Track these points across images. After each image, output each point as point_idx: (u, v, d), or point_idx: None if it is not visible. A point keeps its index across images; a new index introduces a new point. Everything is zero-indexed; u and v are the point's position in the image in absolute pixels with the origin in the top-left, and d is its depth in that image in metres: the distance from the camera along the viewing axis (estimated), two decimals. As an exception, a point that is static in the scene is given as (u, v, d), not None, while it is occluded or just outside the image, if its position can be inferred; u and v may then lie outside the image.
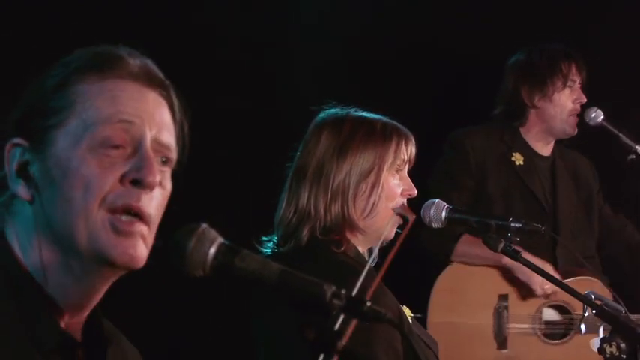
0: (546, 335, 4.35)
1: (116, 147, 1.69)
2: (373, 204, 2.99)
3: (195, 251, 1.68)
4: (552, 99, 4.52)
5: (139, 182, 1.68)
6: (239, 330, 3.48)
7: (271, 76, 4.61)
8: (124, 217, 1.68)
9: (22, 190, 1.69)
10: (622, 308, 2.93)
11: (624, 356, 2.74)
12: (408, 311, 3.05)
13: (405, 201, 3.03)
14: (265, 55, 4.67)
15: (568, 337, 4.38)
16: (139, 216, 1.68)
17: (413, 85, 4.75)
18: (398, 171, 3.03)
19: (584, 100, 4.52)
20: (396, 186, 3.02)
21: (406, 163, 3.05)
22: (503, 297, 4.24)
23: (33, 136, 1.70)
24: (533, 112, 4.56)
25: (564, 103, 4.52)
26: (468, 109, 4.70)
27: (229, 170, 4.38)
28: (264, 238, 3.04)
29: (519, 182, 4.50)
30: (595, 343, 2.80)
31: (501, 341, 4.25)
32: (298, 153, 3.05)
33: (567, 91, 4.52)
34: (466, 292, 4.21)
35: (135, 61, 1.75)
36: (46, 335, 1.65)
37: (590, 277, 4.26)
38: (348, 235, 3.00)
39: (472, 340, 4.27)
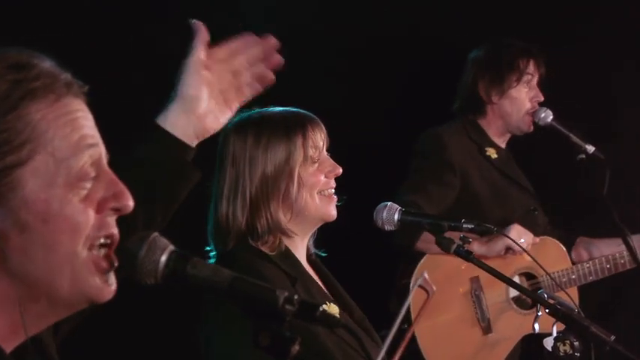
0: (520, 305, 4.33)
1: (90, 177, 1.59)
2: (295, 201, 3.04)
3: (147, 259, 1.67)
4: (508, 95, 4.53)
5: (118, 210, 1.62)
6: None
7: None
8: (102, 252, 1.60)
9: None
10: (575, 307, 2.94)
11: (578, 354, 2.76)
12: (335, 309, 3.04)
13: (332, 181, 3.09)
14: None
15: (536, 310, 4.35)
16: (112, 243, 1.62)
17: (375, 81, 4.73)
18: (315, 161, 3.06)
19: (542, 98, 4.52)
20: (314, 174, 3.06)
21: (321, 149, 3.08)
22: (475, 279, 4.23)
23: None
24: (490, 107, 4.57)
25: (521, 100, 4.52)
26: (425, 106, 4.66)
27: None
28: (208, 248, 3.08)
29: (500, 175, 4.51)
30: (548, 342, 2.81)
31: (486, 326, 4.23)
32: (216, 166, 3.09)
33: (524, 88, 4.53)
34: (439, 285, 4.13)
35: (63, 73, 1.62)
36: None
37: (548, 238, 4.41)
38: (282, 236, 3.06)
39: (458, 333, 4.23)
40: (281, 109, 3.11)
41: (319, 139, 3.08)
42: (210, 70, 2.09)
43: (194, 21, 2.09)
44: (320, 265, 3.22)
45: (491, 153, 4.52)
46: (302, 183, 3.04)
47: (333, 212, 3.09)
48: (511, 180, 4.53)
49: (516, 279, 4.30)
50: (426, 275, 3.00)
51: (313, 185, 3.06)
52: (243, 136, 3.05)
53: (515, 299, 4.32)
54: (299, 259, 3.11)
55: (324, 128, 3.12)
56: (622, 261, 4.41)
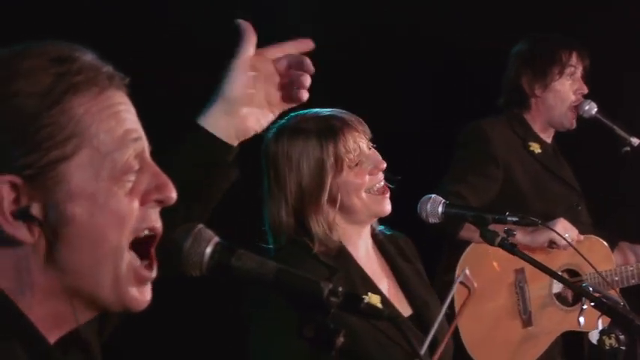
0: (561, 301, 4.32)
1: (134, 170, 1.58)
2: (342, 204, 3.10)
3: (192, 251, 1.67)
4: (552, 88, 4.50)
5: (162, 202, 1.61)
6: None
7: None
8: (145, 263, 1.60)
9: (22, 234, 1.51)
10: (620, 300, 2.92)
11: (623, 348, 2.75)
12: (376, 299, 3.06)
13: (379, 176, 3.11)
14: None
15: (581, 304, 4.36)
16: (156, 235, 1.62)
17: (414, 77, 4.72)
18: (355, 163, 3.08)
19: (586, 90, 4.49)
20: (357, 175, 3.08)
21: (360, 150, 3.09)
22: (520, 271, 4.21)
23: (28, 172, 1.50)
24: (534, 101, 4.55)
25: (565, 93, 4.50)
26: (471, 101, 4.65)
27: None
28: (268, 246, 3.15)
29: (544, 170, 4.49)
30: (594, 335, 2.79)
31: (527, 319, 4.22)
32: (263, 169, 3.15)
33: (568, 80, 4.50)
34: (485, 274, 4.13)
35: (105, 65, 1.61)
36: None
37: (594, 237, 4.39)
38: (336, 232, 3.11)
39: (499, 323, 4.21)
40: (317, 112, 3.13)
41: (354, 142, 3.08)
42: (256, 71, 2.07)
43: (240, 21, 2.06)
44: (386, 245, 3.25)
45: (535, 148, 4.49)
46: (346, 188, 3.07)
47: (385, 208, 3.12)
48: (554, 175, 4.51)
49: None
50: (467, 272, 3.00)
51: (359, 187, 3.08)
52: (282, 143, 3.08)
53: (557, 295, 4.31)
54: (357, 249, 3.16)
55: (362, 126, 3.13)
56: None
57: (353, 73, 4.63)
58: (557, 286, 4.29)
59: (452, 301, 2.99)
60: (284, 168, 3.07)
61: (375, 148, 3.14)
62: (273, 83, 2.10)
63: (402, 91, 4.73)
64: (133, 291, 1.59)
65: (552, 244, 4.16)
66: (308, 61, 2.08)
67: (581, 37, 4.58)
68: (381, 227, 3.28)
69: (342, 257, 3.10)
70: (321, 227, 3.07)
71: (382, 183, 3.12)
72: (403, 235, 3.33)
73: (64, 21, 4.03)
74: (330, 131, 3.07)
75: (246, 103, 2.06)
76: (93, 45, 1.65)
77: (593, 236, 4.39)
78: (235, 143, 2.08)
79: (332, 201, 3.08)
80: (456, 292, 3.03)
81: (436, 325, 2.96)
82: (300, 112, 3.08)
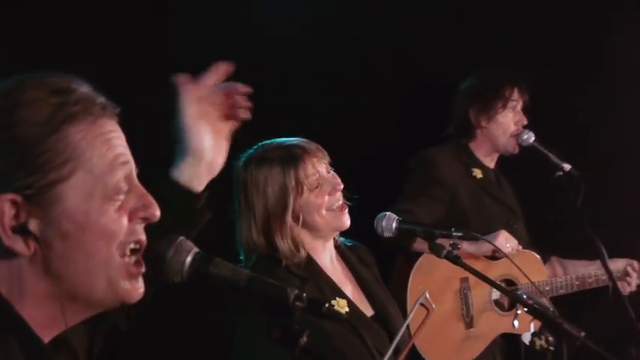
0: (499, 307, 4.37)
1: (123, 191, 1.59)
2: (304, 223, 3.17)
3: (174, 260, 1.71)
4: (496, 120, 4.53)
5: (147, 219, 1.62)
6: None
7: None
8: (132, 259, 1.61)
9: (20, 246, 1.52)
10: (550, 306, 2.97)
11: (552, 348, 2.79)
12: (343, 303, 3.13)
13: (337, 195, 3.18)
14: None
15: (515, 309, 4.45)
16: (141, 247, 1.63)
17: (374, 107, 4.75)
18: (315, 186, 3.15)
19: (525, 122, 4.53)
20: (317, 196, 3.16)
21: (320, 173, 3.17)
22: (464, 279, 4.24)
23: (28, 192, 1.51)
24: (479, 131, 4.57)
25: (507, 124, 4.53)
26: (424, 129, 4.68)
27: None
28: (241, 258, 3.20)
29: (485, 193, 4.52)
30: (527, 337, 2.84)
31: (469, 321, 4.25)
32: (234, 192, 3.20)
33: (510, 113, 4.53)
34: (434, 282, 4.17)
35: (98, 96, 1.61)
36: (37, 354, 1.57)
37: (529, 251, 4.44)
38: (303, 247, 3.17)
39: (446, 324, 4.22)
40: (280, 142, 3.20)
41: (313, 167, 3.16)
42: (203, 116, 2.06)
43: (176, 76, 2.04)
44: (347, 254, 3.31)
45: (477, 173, 4.53)
46: (308, 208, 3.14)
47: (344, 223, 3.20)
48: (493, 197, 4.53)
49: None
50: (427, 295, 3.04)
51: (319, 207, 3.16)
52: (249, 171, 3.16)
53: (496, 301, 4.34)
54: (322, 260, 3.22)
55: (321, 153, 3.21)
56: (589, 280, 4.49)
57: (321, 101, 4.66)
58: (495, 294, 4.32)
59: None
60: (252, 193, 3.14)
61: (335, 171, 3.20)
62: (214, 116, 2.07)
63: (363, 118, 4.74)
64: (126, 284, 1.60)
65: (495, 252, 4.21)
66: (236, 86, 2.08)
67: (523, 70, 4.63)
68: (342, 239, 3.33)
69: (311, 268, 3.16)
70: (287, 244, 3.13)
71: (341, 201, 3.18)
72: (362, 246, 3.39)
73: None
74: (292, 159, 3.14)
75: (207, 148, 2.05)
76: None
77: (528, 251, 4.45)
78: (206, 182, 2.07)
79: (296, 219, 3.15)
80: (416, 311, 3.05)
81: (399, 337, 3.01)
82: (266, 142, 3.18)
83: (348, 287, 3.25)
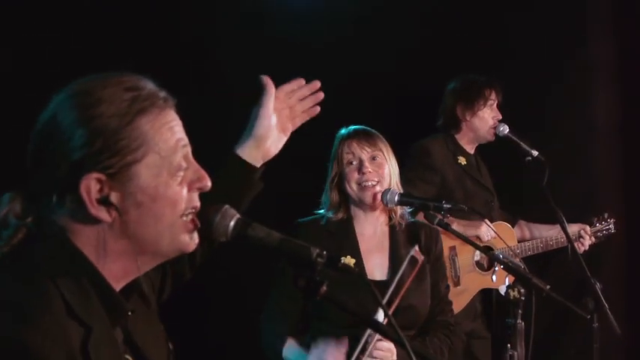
0: (480, 268, 4.37)
1: (183, 168, 1.61)
2: (344, 191, 3.26)
3: (220, 223, 1.70)
4: (477, 115, 4.54)
5: (201, 188, 1.64)
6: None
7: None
8: (189, 218, 1.62)
9: (104, 215, 1.54)
10: (522, 264, 2.94)
11: (523, 298, 2.76)
12: (351, 261, 3.12)
13: (367, 177, 3.20)
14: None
15: (493, 268, 4.42)
16: (196, 211, 1.64)
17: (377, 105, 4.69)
18: (348, 163, 3.25)
19: (500, 116, 4.54)
20: (349, 171, 3.24)
21: (352, 155, 3.24)
22: (452, 248, 4.24)
23: (110, 171, 1.53)
24: (464, 124, 4.58)
25: (486, 118, 4.54)
26: (419, 122, 4.63)
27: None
28: None
29: (468, 176, 4.52)
30: (502, 289, 2.80)
31: (457, 281, 4.25)
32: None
33: (488, 109, 4.54)
34: None
35: (161, 91, 1.63)
36: (119, 308, 1.59)
37: (502, 222, 4.46)
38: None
39: None
40: (350, 128, 3.28)
41: (349, 148, 3.21)
42: (275, 112, 2.12)
43: (263, 77, 2.10)
44: (396, 233, 3.26)
45: (462, 160, 4.54)
46: (346, 179, 3.20)
47: (365, 198, 3.20)
48: (475, 180, 4.54)
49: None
50: (416, 247, 2.99)
51: (349, 180, 3.20)
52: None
53: (477, 263, 4.34)
54: (361, 226, 3.24)
55: (365, 140, 3.22)
56: (551, 243, 4.50)
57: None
58: (477, 256, 4.34)
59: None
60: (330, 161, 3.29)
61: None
62: (285, 115, 2.15)
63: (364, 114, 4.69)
64: (185, 238, 1.62)
65: (477, 238, 4.23)
66: (310, 86, 2.18)
67: (498, 73, 4.59)
68: (410, 219, 3.30)
69: (345, 227, 3.20)
70: (334, 201, 3.24)
71: (369, 183, 3.18)
72: (427, 226, 3.29)
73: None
74: (340, 137, 3.26)
75: (270, 139, 2.11)
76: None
77: (502, 222, 4.47)
78: (260, 163, 2.13)
79: (340, 184, 3.23)
80: (408, 263, 3.00)
81: (392, 287, 2.95)
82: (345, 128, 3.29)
83: (374, 255, 3.21)
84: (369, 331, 2.89)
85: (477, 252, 4.33)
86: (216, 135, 2.64)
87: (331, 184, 3.23)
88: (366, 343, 2.89)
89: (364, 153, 3.19)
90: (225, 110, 3.92)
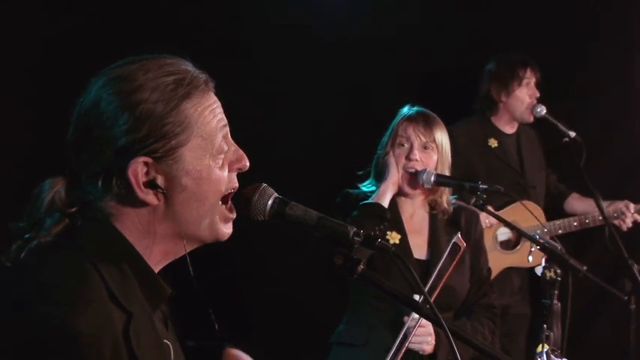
0: (503, 248, 4.38)
1: (224, 151, 1.62)
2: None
3: (258, 202, 1.69)
4: (513, 95, 4.51)
5: (240, 169, 1.64)
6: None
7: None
8: (228, 205, 1.63)
9: (150, 198, 1.55)
10: (558, 245, 2.92)
11: (559, 278, 2.74)
12: (396, 237, 3.12)
13: (414, 164, 3.18)
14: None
15: (519, 247, 4.45)
16: (234, 191, 1.65)
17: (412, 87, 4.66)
18: (400, 145, 3.22)
19: (538, 94, 4.50)
20: (398, 156, 3.22)
21: (405, 137, 3.21)
22: None
23: (156, 155, 1.54)
24: (501, 105, 4.56)
25: (522, 97, 4.50)
26: (458, 105, 4.60)
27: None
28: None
29: (497, 159, 4.52)
30: (539, 270, 2.79)
31: None
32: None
33: (524, 88, 4.50)
34: None
35: (202, 73, 1.62)
36: (160, 292, 1.61)
37: (530, 202, 4.34)
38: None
39: None
40: (410, 109, 3.25)
41: (405, 131, 3.18)
42: None
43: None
44: (436, 219, 3.24)
45: (493, 143, 4.54)
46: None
47: (405, 188, 3.19)
48: (503, 163, 4.53)
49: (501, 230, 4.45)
50: (459, 234, 2.98)
51: (397, 162, 3.19)
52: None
53: (501, 242, 4.36)
54: (404, 211, 3.23)
55: (422, 124, 3.18)
56: (587, 221, 4.48)
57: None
58: (501, 236, 4.38)
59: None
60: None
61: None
62: None
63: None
64: (222, 227, 1.63)
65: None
66: None
67: (535, 54, 4.53)
68: (455, 204, 3.27)
69: (392, 210, 3.17)
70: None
71: (412, 170, 3.16)
72: (470, 210, 3.28)
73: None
74: (398, 117, 3.24)
75: None
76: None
77: (531, 202, 4.38)
78: None
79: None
80: (450, 249, 2.99)
81: (435, 274, 2.94)
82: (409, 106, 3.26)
83: (414, 235, 3.20)
84: (409, 321, 2.91)
85: (502, 231, 4.35)
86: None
87: (381, 157, 3.22)
88: (407, 332, 2.90)
89: (417, 140, 3.16)
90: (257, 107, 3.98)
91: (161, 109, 1.54)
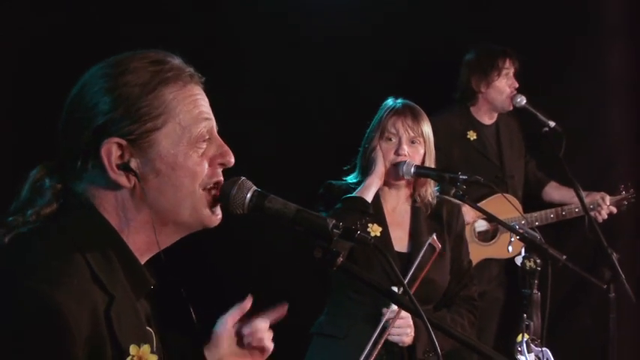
0: (481, 239, 4.41)
1: (205, 140, 1.63)
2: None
3: (237, 196, 1.68)
4: (493, 85, 4.52)
5: (224, 164, 1.66)
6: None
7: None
8: (212, 192, 1.64)
9: (123, 180, 1.57)
10: (537, 235, 2.93)
11: (539, 268, 2.75)
12: (377, 229, 3.10)
13: (402, 158, 3.17)
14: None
15: (496, 238, 4.49)
16: (219, 185, 1.65)
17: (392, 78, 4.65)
18: (388, 138, 3.21)
19: (517, 85, 4.51)
20: (386, 149, 3.21)
21: (395, 132, 3.20)
22: None
23: (130, 137, 1.56)
24: (480, 95, 4.56)
25: (502, 87, 4.51)
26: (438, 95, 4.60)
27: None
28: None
29: (475, 152, 4.53)
30: (518, 259, 2.80)
31: None
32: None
33: (503, 79, 4.51)
34: None
35: (188, 67, 1.65)
36: (143, 282, 1.62)
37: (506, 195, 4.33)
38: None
39: None
40: (400, 101, 3.24)
41: (394, 125, 3.17)
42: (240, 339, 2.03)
43: (246, 301, 2.04)
44: (418, 211, 3.24)
45: (472, 135, 4.55)
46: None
47: (393, 177, 3.17)
48: (482, 155, 4.54)
49: (479, 222, 4.49)
50: (434, 236, 2.99)
51: (386, 156, 3.18)
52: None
53: (479, 234, 4.39)
54: (386, 202, 3.22)
55: (410, 119, 3.17)
56: (563, 213, 4.52)
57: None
58: (479, 227, 4.42)
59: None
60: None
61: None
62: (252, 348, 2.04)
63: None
64: (207, 211, 1.64)
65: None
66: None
67: (515, 44, 4.54)
68: (438, 196, 3.27)
69: (374, 203, 3.16)
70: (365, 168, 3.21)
71: (398, 160, 3.16)
72: (452, 203, 3.27)
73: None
74: (381, 110, 3.23)
75: (221, 347, 2.00)
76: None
77: (508, 195, 4.38)
78: None
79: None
80: (426, 250, 2.99)
81: (414, 267, 2.95)
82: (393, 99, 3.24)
83: (395, 227, 3.20)
84: (388, 313, 2.91)
85: (480, 223, 4.38)
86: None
87: (366, 150, 3.20)
88: (386, 324, 2.91)
89: (406, 134, 3.16)
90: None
91: (138, 91, 1.57)
